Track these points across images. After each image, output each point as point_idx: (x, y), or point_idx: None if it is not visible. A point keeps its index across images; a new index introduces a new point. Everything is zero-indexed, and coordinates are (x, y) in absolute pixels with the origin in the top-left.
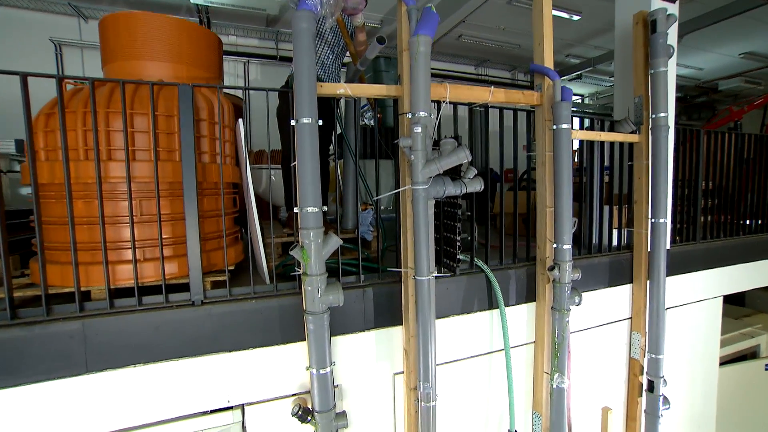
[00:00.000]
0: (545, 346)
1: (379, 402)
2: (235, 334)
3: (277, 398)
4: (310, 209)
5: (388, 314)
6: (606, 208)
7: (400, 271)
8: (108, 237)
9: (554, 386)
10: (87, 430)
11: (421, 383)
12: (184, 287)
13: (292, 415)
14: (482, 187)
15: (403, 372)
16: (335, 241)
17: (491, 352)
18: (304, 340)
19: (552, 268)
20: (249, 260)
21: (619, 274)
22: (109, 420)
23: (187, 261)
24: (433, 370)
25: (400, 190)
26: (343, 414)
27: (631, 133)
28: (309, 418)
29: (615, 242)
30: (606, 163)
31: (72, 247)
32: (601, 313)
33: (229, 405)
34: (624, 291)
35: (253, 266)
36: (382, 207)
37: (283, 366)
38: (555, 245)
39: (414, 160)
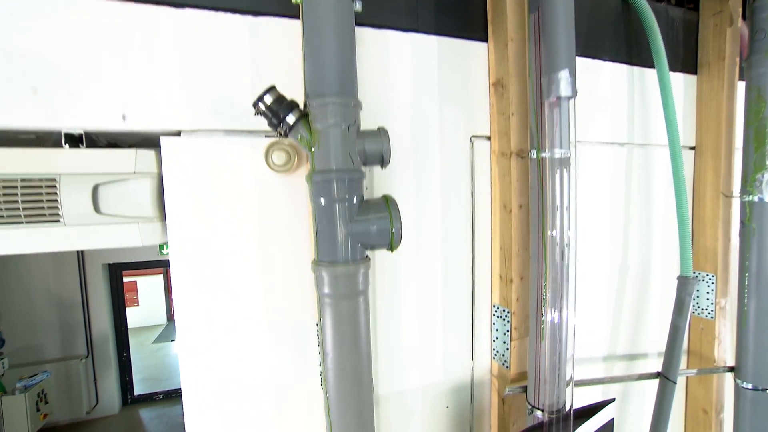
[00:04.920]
0: (722, 143)
1: (447, 177)
2: None
3: (228, 131)
4: None
5: (458, 14)
6: None
7: None
8: None
9: (757, 199)
10: None
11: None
12: None
13: (255, 111)
14: None
15: (489, 135)
16: None
17: (632, 144)
18: None
19: None
20: None
21: None
22: None
23: None
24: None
25: None
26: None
27: None
28: (293, 118)
29: None
30: None
31: None
32: None
33: (126, 130)
34: None
35: None
36: None
37: (249, 56)
38: None
39: None
